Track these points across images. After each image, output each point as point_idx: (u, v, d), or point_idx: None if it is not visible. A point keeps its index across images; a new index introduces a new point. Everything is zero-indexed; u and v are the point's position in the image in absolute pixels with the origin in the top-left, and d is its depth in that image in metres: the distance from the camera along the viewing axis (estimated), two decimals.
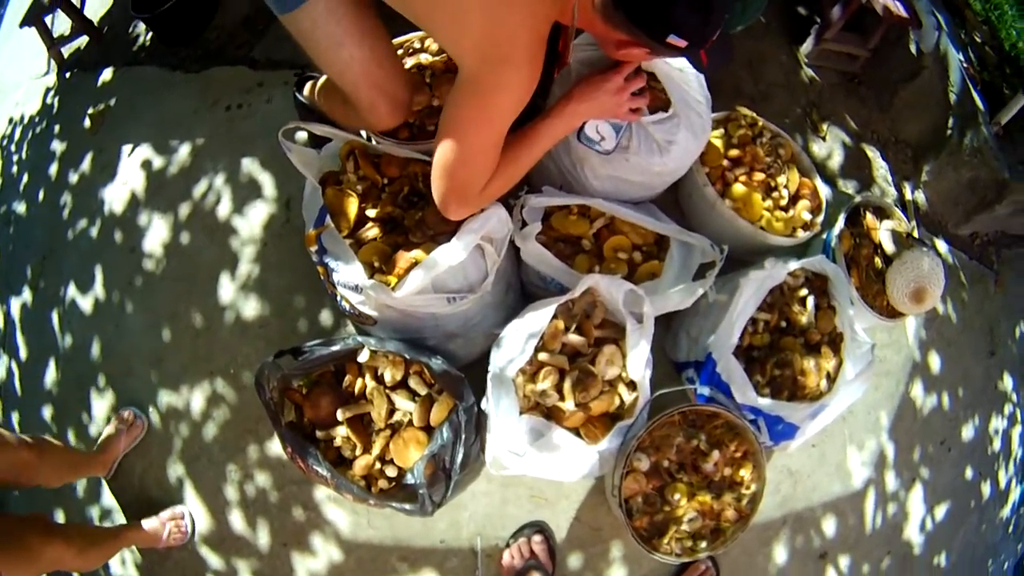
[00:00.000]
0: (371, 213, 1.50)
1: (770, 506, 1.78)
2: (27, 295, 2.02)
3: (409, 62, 1.65)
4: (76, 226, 1.99)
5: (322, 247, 1.48)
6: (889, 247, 1.75)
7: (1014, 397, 2.33)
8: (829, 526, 1.86)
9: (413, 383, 1.50)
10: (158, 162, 1.93)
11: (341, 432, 1.48)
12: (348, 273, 1.42)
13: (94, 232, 1.96)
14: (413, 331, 1.54)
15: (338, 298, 1.54)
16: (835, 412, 1.61)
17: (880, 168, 2.09)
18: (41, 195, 2.10)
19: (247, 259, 1.77)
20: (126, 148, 1.99)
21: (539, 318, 1.40)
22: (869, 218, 1.76)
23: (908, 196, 2.09)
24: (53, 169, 2.10)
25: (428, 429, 1.46)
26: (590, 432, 1.42)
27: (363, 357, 1.48)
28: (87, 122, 2.09)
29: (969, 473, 2.20)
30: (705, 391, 1.54)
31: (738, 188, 1.59)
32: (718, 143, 1.62)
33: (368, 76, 1.31)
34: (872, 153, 2.11)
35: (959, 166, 2.07)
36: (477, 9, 1.02)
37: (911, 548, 2.07)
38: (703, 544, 1.48)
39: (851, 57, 2.18)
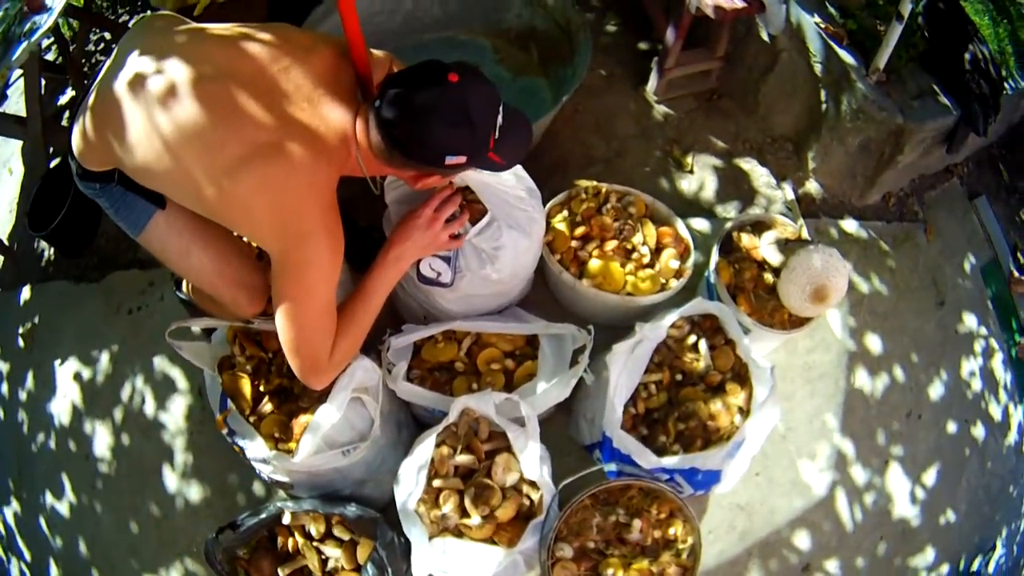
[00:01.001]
0: (263, 388, 1.58)
1: (730, 544, 1.77)
2: (15, 505, 2.20)
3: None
4: (36, 441, 2.14)
5: (231, 429, 1.56)
6: (774, 259, 1.71)
7: (982, 331, 2.22)
8: (802, 540, 1.84)
9: (337, 532, 1.58)
10: (86, 373, 2.06)
11: None
12: (255, 449, 1.50)
13: (52, 444, 2.11)
14: (326, 486, 1.62)
15: (257, 471, 1.63)
16: (754, 444, 1.59)
17: (759, 177, 2.01)
18: (1, 415, 2.27)
19: (180, 449, 1.89)
20: (57, 363, 2.13)
21: (424, 450, 1.45)
22: (745, 239, 1.72)
23: (790, 196, 2.00)
24: (5, 389, 2.27)
25: (359, 569, 1.54)
26: (503, 537, 1.46)
27: (286, 520, 1.58)
28: (21, 342, 2.24)
29: (952, 427, 2.12)
30: (612, 467, 1.55)
31: (593, 265, 1.59)
32: (563, 227, 1.62)
33: (221, 275, 1.38)
34: (748, 165, 2.02)
35: (844, 136, 1.98)
36: (260, 199, 1.05)
37: (907, 523, 2.02)
38: None
39: (704, 74, 2.09)
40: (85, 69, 2.45)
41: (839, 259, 1.66)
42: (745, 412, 1.59)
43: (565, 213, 1.65)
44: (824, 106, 1.99)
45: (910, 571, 2.03)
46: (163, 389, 1.94)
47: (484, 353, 1.57)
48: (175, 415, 1.92)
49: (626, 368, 1.50)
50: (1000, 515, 2.34)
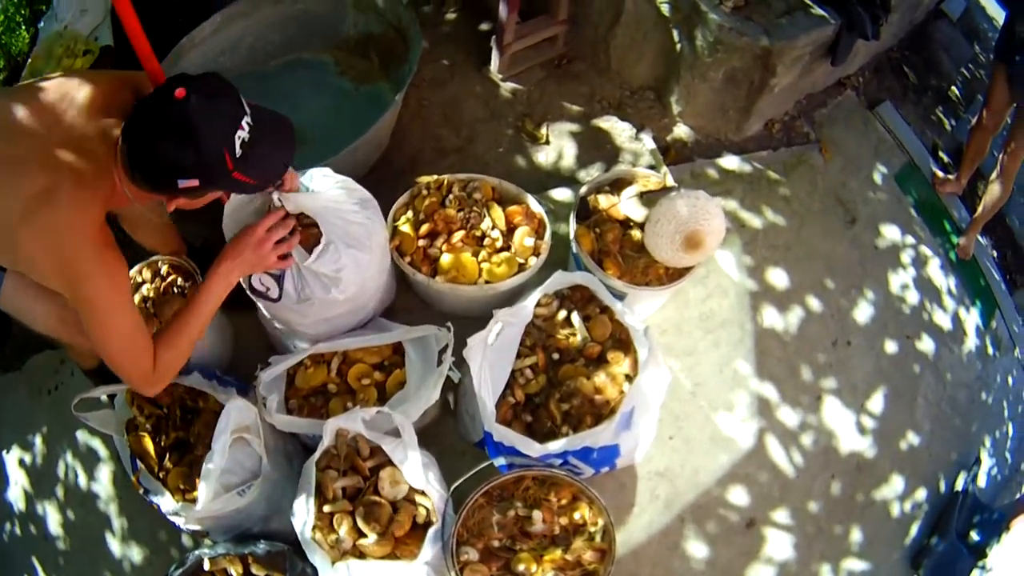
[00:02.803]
0: (164, 443, 1.62)
1: (657, 513, 1.71)
2: None
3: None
4: (5, 530, 2.23)
5: (145, 488, 1.61)
6: (637, 214, 1.65)
7: (908, 240, 2.11)
8: (738, 496, 1.77)
9: (255, 569, 1.59)
10: (27, 458, 2.14)
11: None
12: (166, 503, 1.55)
13: (18, 531, 2.18)
14: (236, 527, 1.64)
15: (174, 523, 1.66)
16: (648, 409, 1.55)
17: (621, 133, 1.93)
18: None
19: (115, 515, 1.94)
20: (4, 452, 2.20)
21: (309, 477, 1.45)
22: (603, 200, 1.67)
23: (650, 145, 1.91)
24: None
25: None
26: (406, 551, 1.45)
27: (206, 567, 1.59)
28: None
29: (891, 346, 2.01)
30: (502, 461, 1.53)
31: (444, 260, 1.56)
32: (407, 228, 1.60)
33: (64, 322, 1.42)
34: (607, 123, 1.95)
35: (705, 72, 1.90)
36: (37, 250, 1.09)
37: (859, 456, 1.93)
38: None
39: (549, 41, 2.02)
40: None
41: (708, 200, 1.59)
42: (633, 378, 1.54)
43: (410, 214, 1.63)
44: (679, 46, 1.91)
45: (878, 504, 1.95)
46: (89, 461, 2.00)
47: (353, 370, 1.57)
48: (104, 483, 1.97)
49: (487, 360, 1.47)
50: (977, 425, 2.23)
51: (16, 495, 2.19)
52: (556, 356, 1.57)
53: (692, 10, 1.88)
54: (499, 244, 1.59)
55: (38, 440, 2.11)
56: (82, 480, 2.01)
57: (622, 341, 1.59)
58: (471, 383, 1.58)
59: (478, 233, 1.59)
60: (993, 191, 2.13)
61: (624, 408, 1.47)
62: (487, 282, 1.57)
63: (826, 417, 1.89)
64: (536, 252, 1.61)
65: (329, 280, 1.46)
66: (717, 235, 1.62)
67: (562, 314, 1.59)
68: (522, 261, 1.60)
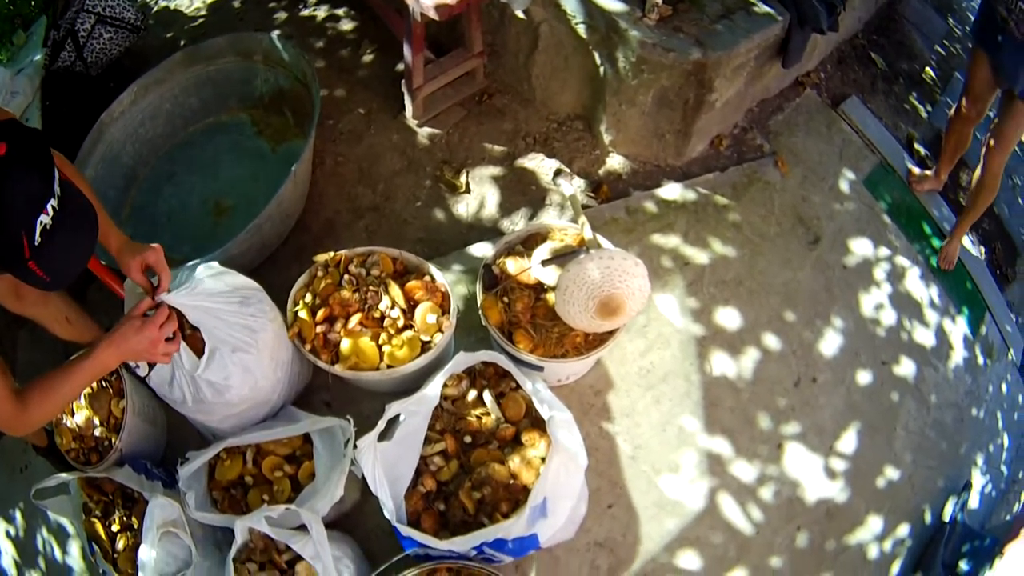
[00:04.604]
0: (115, 528, 1.68)
1: None
2: None
3: None
4: None
5: (102, 570, 1.68)
6: (548, 280, 1.52)
7: (882, 252, 1.88)
8: (689, 561, 1.65)
9: None
10: (11, 531, 2.24)
11: None
12: None
13: None
14: None
15: None
16: (567, 494, 1.45)
17: (548, 172, 1.76)
18: None
19: None
20: None
21: (228, 573, 1.45)
22: (511, 265, 1.54)
23: (567, 191, 1.72)
24: None
25: None
26: None
27: None
28: None
29: (864, 377, 1.82)
30: (416, 550, 1.47)
31: (344, 346, 1.48)
32: (304, 314, 1.52)
33: None
34: (532, 162, 1.77)
35: (633, 96, 1.71)
36: None
37: (829, 503, 1.78)
38: None
39: (468, 76, 1.84)
40: None
41: (624, 259, 1.44)
42: None
43: (309, 297, 1.55)
44: (601, 69, 1.72)
45: (852, 549, 1.80)
46: (61, 537, 2.07)
47: (266, 461, 1.54)
48: (75, 558, 2.04)
49: (383, 458, 1.39)
50: (968, 445, 2.02)
51: (8, 563, 2.31)
52: (468, 439, 1.48)
53: (609, 28, 1.68)
54: (400, 324, 1.50)
55: (18, 515, 2.21)
56: (58, 554, 2.08)
57: (538, 420, 1.48)
58: None
59: (377, 315, 1.50)
60: (978, 191, 1.86)
61: (534, 501, 1.37)
62: (389, 366, 1.48)
63: (788, 466, 1.74)
64: (440, 328, 1.50)
65: (221, 387, 1.41)
66: (638, 296, 1.47)
67: (472, 394, 1.50)
68: (427, 339, 1.50)
